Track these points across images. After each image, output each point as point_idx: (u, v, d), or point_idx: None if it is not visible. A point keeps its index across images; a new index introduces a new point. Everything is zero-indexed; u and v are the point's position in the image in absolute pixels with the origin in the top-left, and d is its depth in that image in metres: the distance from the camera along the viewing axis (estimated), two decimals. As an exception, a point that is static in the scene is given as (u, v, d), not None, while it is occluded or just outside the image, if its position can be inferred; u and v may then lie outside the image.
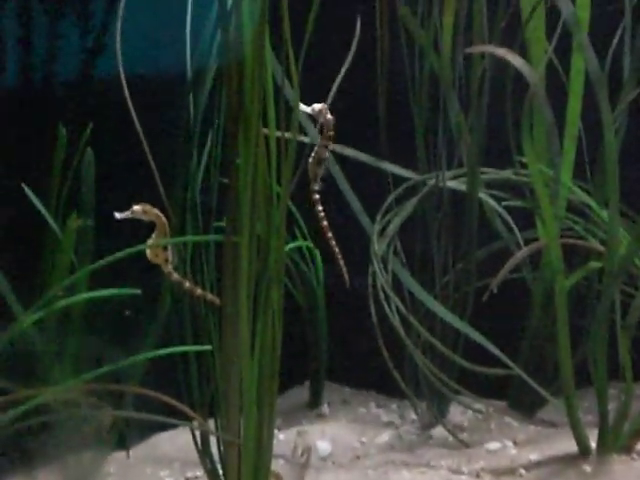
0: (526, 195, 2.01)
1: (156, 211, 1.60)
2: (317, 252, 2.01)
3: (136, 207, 1.58)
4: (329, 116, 1.49)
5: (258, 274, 1.53)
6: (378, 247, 1.81)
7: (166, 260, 1.64)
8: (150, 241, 1.60)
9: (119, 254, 1.51)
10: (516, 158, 1.96)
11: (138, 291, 1.56)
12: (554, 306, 1.83)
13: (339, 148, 1.93)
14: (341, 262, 1.56)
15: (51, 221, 1.80)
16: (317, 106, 1.49)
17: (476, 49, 1.84)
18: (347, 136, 1.96)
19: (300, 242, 1.96)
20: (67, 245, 1.77)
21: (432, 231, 2.02)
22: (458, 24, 1.94)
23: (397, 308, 1.77)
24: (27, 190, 1.79)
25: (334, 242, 1.56)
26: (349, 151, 1.96)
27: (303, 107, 1.47)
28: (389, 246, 1.87)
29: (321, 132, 1.50)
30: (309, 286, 2.06)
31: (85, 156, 1.79)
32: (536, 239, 1.99)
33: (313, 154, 1.51)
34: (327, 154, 1.51)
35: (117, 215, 1.57)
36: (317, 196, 1.52)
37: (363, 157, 1.98)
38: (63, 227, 1.79)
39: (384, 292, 1.76)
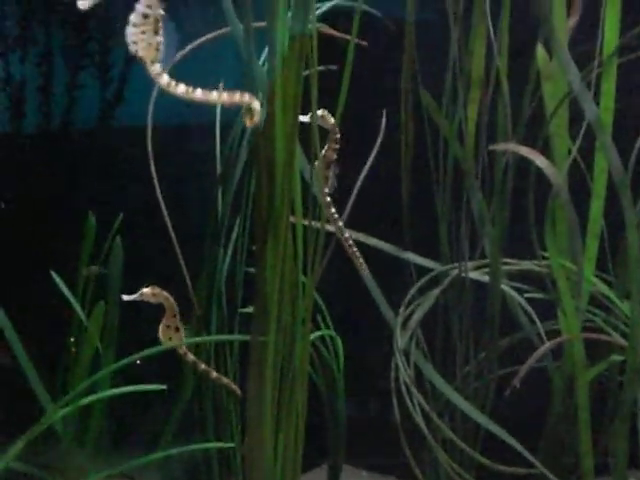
0: (547, 285, 2.02)
1: (165, 294, 1.63)
2: (338, 339, 2.02)
3: (145, 290, 1.62)
4: (331, 120, 1.54)
5: (283, 367, 1.55)
6: (401, 340, 1.83)
7: (180, 341, 1.67)
8: (162, 324, 1.63)
9: (143, 353, 1.54)
10: (539, 252, 1.98)
11: (164, 386, 1.58)
12: (575, 396, 1.84)
13: (363, 237, 1.96)
14: (359, 261, 1.66)
15: (78, 308, 1.82)
16: (318, 113, 1.56)
17: (499, 147, 1.86)
18: (370, 225, 2.00)
19: (323, 331, 1.97)
20: (92, 332, 1.79)
21: (454, 321, 2.03)
22: (482, 116, 1.97)
23: (419, 404, 1.77)
24: (55, 276, 1.82)
25: (351, 243, 1.64)
26: (372, 240, 1.99)
27: (302, 117, 1.54)
28: (411, 338, 1.88)
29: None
30: (329, 372, 2.07)
31: (114, 247, 1.82)
32: (558, 329, 2.00)
33: (321, 157, 1.57)
34: (335, 156, 1.58)
35: (125, 297, 1.60)
36: (328, 199, 1.58)
37: (386, 247, 2.00)
38: (89, 314, 1.82)
39: (406, 387, 1.77)
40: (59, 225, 2.28)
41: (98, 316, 1.78)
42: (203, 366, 1.73)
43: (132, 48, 1.33)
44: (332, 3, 1.92)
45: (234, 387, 1.76)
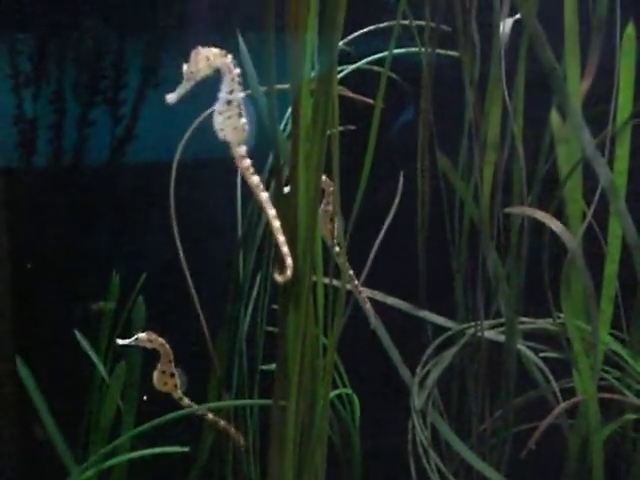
0: (561, 343, 2.04)
1: (161, 340, 1.67)
2: (355, 397, 2.04)
3: (141, 335, 1.66)
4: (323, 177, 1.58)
5: (303, 430, 1.58)
6: (418, 400, 1.85)
7: (175, 386, 1.70)
8: (157, 370, 1.67)
9: (166, 417, 1.57)
10: (553, 310, 2.00)
11: (186, 449, 1.60)
12: (590, 453, 1.86)
13: (380, 297, 1.99)
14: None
15: (100, 366, 1.85)
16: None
17: (515, 210, 1.90)
18: (386, 283, 2.03)
19: (340, 389, 1.99)
20: (114, 391, 1.82)
21: (469, 379, 2.05)
22: (498, 177, 2.00)
23: (437, 466, 1.79)
24: (79, 336, 1.85)
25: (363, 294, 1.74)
26: (390, 299, 2.02)
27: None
28: (428, 398, 1.90)
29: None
30: (345, 429, 2.09)
31: (136, 306, 1.85)
32: (573, 387, 2.02)
33: (321, 211, 1.61)
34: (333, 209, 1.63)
35: (120, 342, 1.64)
36: (337, 249, 1.64)
37: (402, 305, 2.03)
38: (111, 372, 1.85)
39: (423, 447, 1.79)
40: (75, 277, 2.32)
41: (120, 375, 1.81)
42: (211, 416, 1.75)
43: (220, 135, 1.41)
44: (353, 67, 1.97)
45: (235, 434, 1.78)
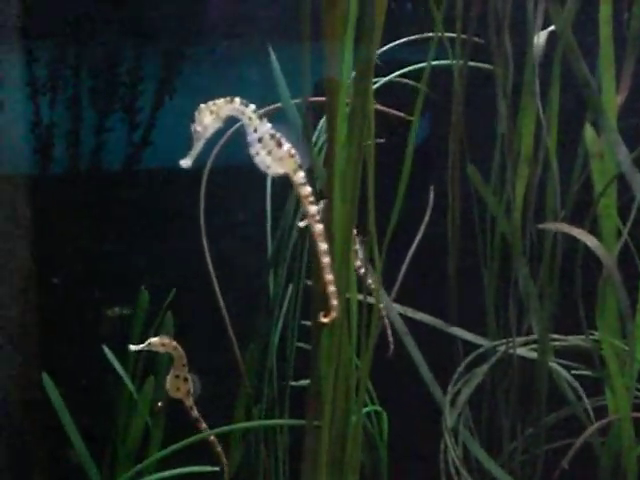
0: (594, 361, 2.01)
1: (174, 343, 1.64)
2: (384, 414, 2.02)
3: (153, 339, 1.63)
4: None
5: (336, 450, 1.55)
6: (449, 419, 1.82)
7: (188, 392, 1.68)
8: (170, 374, 1.64)
9: (192, 438, 1.55)
10: (585, 327, 1.97)
11: (217, 468, 1.58)
12: (623, 472, 1.83)
13: (410, 312, 1.96)
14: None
15: (128, 382, 1.83)
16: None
17: (549, 226, 1.87)
18: (416, 298, 2.00)
19: (370, 407, 1.97)
20: (142, 408, 1.79)
21: (500, 397, 2.02)
22: (530, 192, 1.98)
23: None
24: (106, 350, 1.83)
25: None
26: (419, 315, 1.99)
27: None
28: (460, 416, 1.87)
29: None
30: (373, 444, 2.06)
31: (165, 321, 1.83)
32: (605, 405, 1.99)
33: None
34: None
35: (132, 347, 1.61)
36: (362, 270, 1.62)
37: (432, 321, 2.00)
38: (140, 388, 1.83)
39: (456, 468, 1.76)
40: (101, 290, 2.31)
41: (148, 391, 1.79)
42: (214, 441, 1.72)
43: (271, 173, 1.34)
44: (386, 79, 1.95)
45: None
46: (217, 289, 1.79)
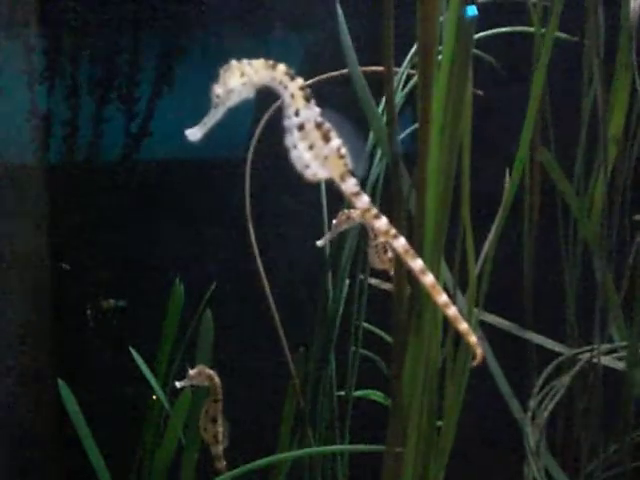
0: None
1: (211, 373, 1.46)
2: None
3: (191, 372, 1.46)
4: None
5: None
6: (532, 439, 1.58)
7: (215, 437, 1.46)
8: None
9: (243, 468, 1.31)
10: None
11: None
12: None
13: (492, 319, 1.72)
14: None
15: (160, 392, 1.57)
16: None
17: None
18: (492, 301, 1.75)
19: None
20: (176, 422, 1.54)
21: (578, 411, 1.78)
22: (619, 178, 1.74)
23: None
24: (135, 354, 1.58)
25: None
26: (491, 318, 1.74)
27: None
28: (541, 435, 1.63)
29: None
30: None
31: (203, 319, 1.57)
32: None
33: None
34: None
35: (178, 384, 1.46)
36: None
37: (506, 325, 1.76)
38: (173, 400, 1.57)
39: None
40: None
41: (183, 404, 1.53)
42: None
43: (309, 175, 0.99)
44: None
45: None
46: (266, 284, 1.53)
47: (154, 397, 1.60)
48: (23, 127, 2.01)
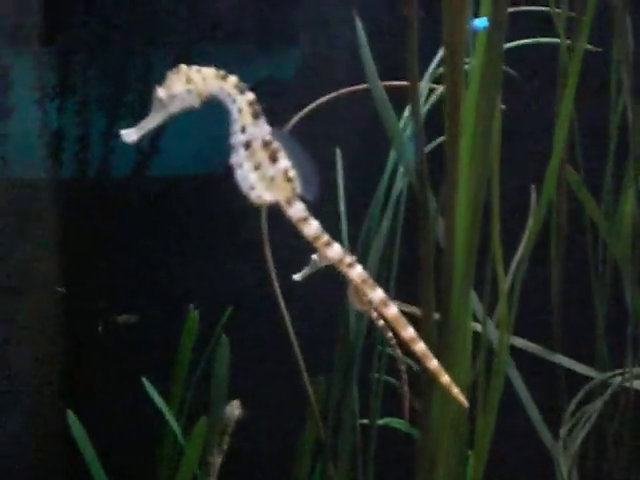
0: None
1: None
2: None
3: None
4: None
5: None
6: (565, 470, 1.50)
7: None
8: None
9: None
10: None
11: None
12: None
13: (521, 342, 1.64)
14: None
15: (173, 423, 1.50)
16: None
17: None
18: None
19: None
20: (192, 456, 1.46)
21: (610, 438, 1.71)
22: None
23: None
24: (147, 384, 1.51)
25: None
26: (518, 341, 1.67)
27: None
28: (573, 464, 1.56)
29: None
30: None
31: (220, 345, 1.50)
32: None
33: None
34: None
35: None
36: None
37: (533, 348, 1.69)
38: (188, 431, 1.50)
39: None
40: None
41: (200, 434, 1.46)
42: None
43: (254, 197, 0.92)
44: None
45: None
46: (284, 310, 1.47)
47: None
48: (34, 144, 1.98)
